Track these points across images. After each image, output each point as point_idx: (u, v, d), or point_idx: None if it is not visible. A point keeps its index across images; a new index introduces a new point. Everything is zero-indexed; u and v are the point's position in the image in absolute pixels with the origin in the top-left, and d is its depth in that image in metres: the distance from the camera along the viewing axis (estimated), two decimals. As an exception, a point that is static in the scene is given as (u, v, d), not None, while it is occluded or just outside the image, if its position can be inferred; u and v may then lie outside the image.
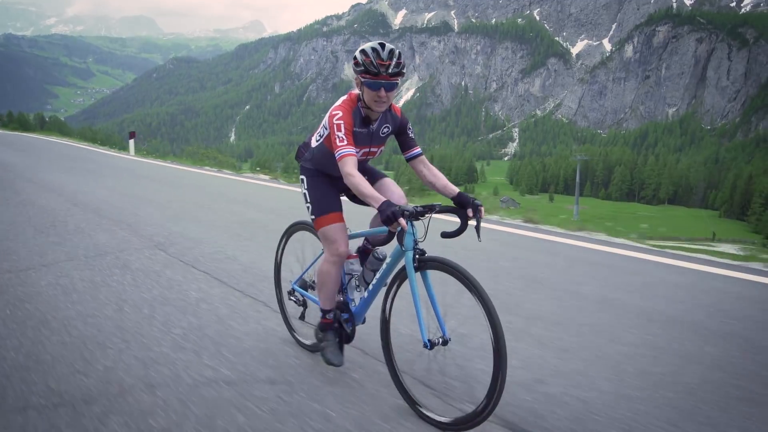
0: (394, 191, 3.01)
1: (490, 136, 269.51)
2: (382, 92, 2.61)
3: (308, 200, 2.98)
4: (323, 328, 3.03)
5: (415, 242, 2.57)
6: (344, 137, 2.63)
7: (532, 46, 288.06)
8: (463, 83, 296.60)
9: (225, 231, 6.72)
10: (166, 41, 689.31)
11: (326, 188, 2.99)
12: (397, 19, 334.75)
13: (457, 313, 2.77)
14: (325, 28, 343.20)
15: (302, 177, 3.06)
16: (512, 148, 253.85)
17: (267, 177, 13.91)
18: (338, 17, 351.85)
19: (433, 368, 2.82)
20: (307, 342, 3.33)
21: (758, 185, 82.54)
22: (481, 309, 2.34)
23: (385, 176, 3.13)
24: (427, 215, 2.54)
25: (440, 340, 2.52)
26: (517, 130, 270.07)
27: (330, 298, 2.98)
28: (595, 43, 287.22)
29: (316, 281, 3.05)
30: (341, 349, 3.01)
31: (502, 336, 2.28)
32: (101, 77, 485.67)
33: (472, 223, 2.58)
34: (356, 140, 2.75)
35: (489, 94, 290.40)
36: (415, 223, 2.56)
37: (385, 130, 2.86)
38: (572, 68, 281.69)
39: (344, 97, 2.79)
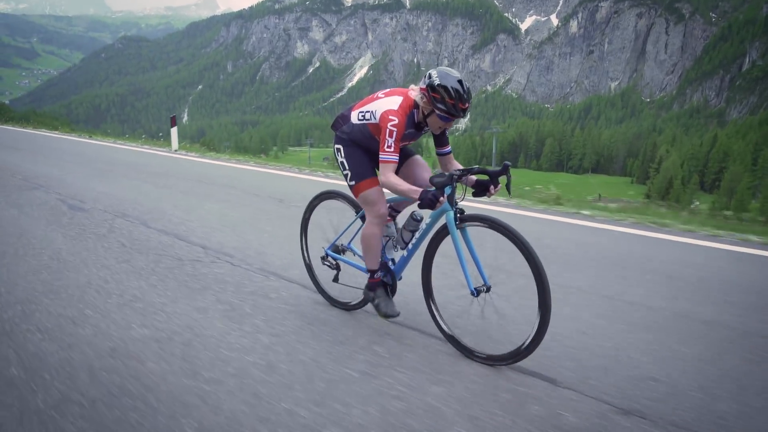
0: (422, 164, 3.19)
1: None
2: (450, 124, 2.76)
3: (346, 168, 3.07)
4: (372, 287, 3.17)
5: (455, 202, 2.76)
6: (393, 144, 2.70)
7: (482, 22, 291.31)
8: (415, 60, 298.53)
9: None
10: (115, 19, 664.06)
11: (362, 157, 3.08)
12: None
13: (491, 264, 2.86)
14: (277, 6, 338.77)
15: (338, 146, 3.12)
16: (463, 123, 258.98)
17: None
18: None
19: (479, 312, 2.91)
20: (341, 300, 3.51)
21: (660, 152, 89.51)
22: (524, 259, 2.52)
23: (414, 153, 3.23)
24: (464, 177, 2.77)
25: (484, 287, 2.74)
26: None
27: (376, 259, 3.11)
28: (543, 19, 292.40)
29: (361, 246, 3.15)
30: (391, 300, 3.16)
31: (546, 280, 2.47)
32: (47, 57, 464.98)
33: (503, 180, 2.78)
34: (403, 138, 2.87)
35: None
36: (456, 185, 2.73)
37: (427, 128, 2.95)
38: (521, 44, 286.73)
39: (399, 100, 2.82)
